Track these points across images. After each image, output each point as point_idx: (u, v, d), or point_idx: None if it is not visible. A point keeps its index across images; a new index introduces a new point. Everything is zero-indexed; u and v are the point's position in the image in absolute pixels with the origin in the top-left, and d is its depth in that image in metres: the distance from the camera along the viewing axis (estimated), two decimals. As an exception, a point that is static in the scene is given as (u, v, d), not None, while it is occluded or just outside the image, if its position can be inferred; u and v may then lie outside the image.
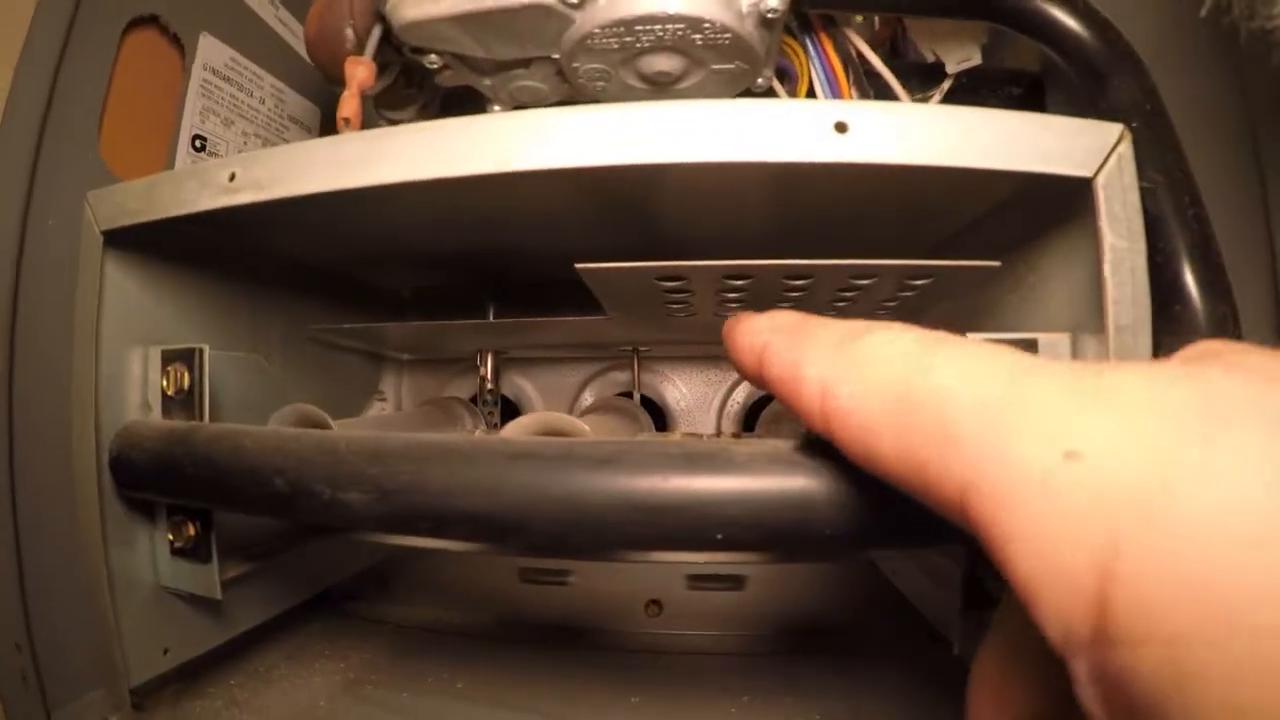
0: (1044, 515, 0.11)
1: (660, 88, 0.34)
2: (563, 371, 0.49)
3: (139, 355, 0.32)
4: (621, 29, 0.31)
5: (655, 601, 0.44)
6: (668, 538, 0.18)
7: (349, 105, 0.29)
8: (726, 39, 0.31)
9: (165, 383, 0.30)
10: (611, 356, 0.49)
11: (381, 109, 0.39)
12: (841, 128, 0.22)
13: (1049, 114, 0.24)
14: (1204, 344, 0.14)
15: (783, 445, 0.19)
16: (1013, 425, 0.12)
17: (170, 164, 0.41)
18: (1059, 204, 0.27)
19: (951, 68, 0.39)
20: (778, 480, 0.18)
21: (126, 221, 0.29)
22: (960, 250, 0.29)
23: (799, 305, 0.32)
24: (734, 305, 0.32)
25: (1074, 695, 0.11)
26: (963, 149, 0.23)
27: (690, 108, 0.23)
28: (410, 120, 0.40)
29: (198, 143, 0.42)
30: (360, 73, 0.31)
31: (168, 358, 0.31)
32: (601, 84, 0.34)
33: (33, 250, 0.34)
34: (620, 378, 0.49)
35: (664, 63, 0.32)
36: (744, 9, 0.31)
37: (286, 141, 0.49)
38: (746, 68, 0.33)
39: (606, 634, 0.43)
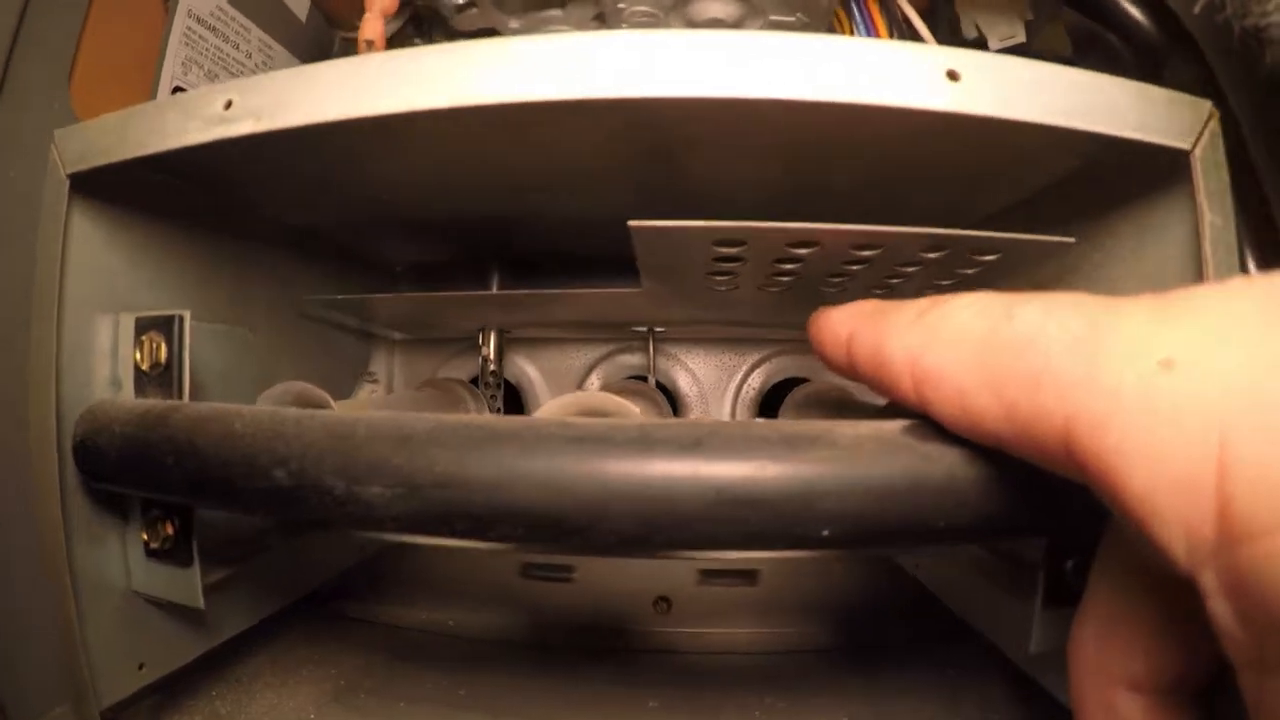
0: (1149, 426, 0.11)
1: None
2: (568, 353, 0.46)
3: (108, 324, 0.28)
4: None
5: (664, 598, 0.42)
6: (763, 535, 0.16)
7: (371, 26, 0.26)
8: None
9: (139, 355, 0.26)
10: (622, 338, 0.46)
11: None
12: (953, 75, 0.20)
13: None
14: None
15: (887, 426, 0.17)
16: (1104, 350, 0.12)
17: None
18: (1143, 178, 0.25)
19: (994, 44, 0.39)
20: (887, 465, 0.16)
21: (98, 161, 0.25)
22: (1010, 225, 0.27)
23: (850, 281, 0.29)
24: (783, 279, 0.29)
25: (1190, 635, 0.12)
26: (1071, 108, 0.21)
27: (779, 39, 0.20)
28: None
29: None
30: (382, -5, 0.27)
31: (142, 326, 0.27)
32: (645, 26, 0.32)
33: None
34: (630, 361, 0.46)
35: (719, 8, 0.31)
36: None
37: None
38: (807, 21, 0.32)
39: (613, 633, 0.40)
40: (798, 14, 0.31)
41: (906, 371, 0.16)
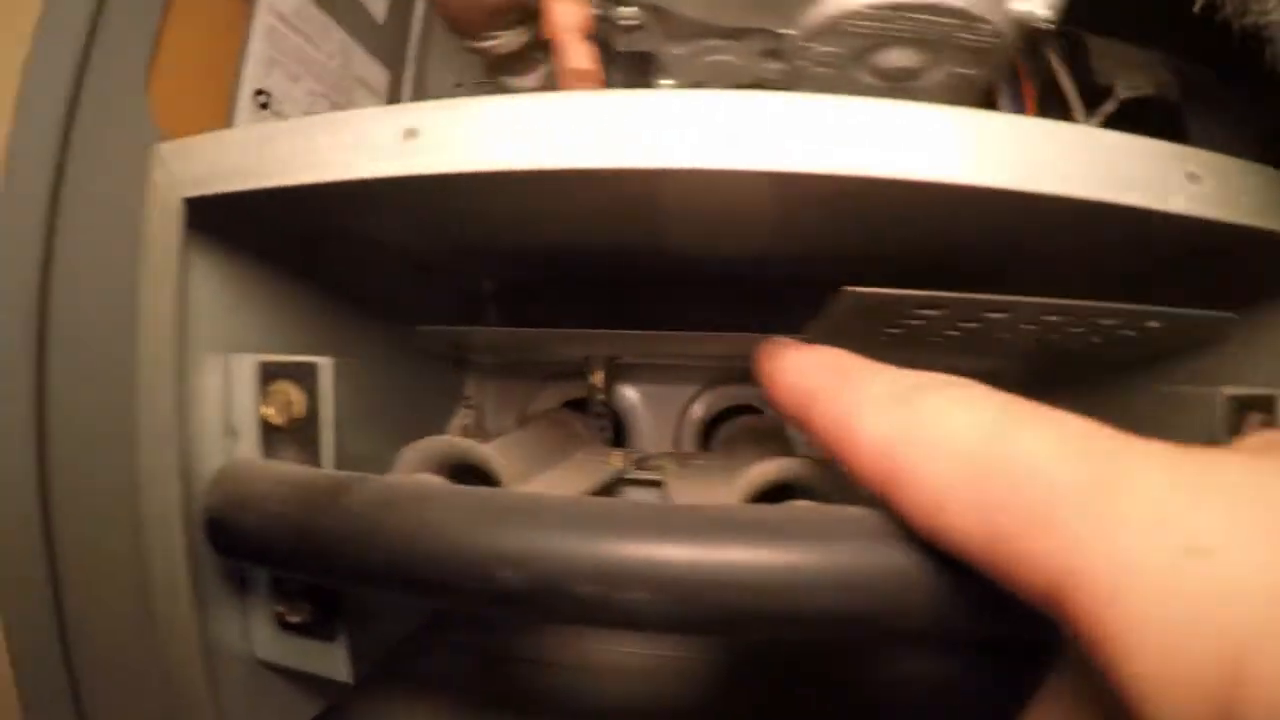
0: (1165, 613, 0.10)
1: (888, 85, 0.32)
2: (673, 379, 0.43)
3: (217, 366, 0.24)
4: (888, 12, 0.28)
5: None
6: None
7: (579, 52, 0.22)
8: (992, 42, 0.29)
9: (269, 409, 0.23)
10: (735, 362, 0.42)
11: (499, 74, 0.32)
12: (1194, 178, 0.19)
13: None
14: (1266, 434, 0.15)
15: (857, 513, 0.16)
16: (1122, 513, 0.11)
17: (229, 123, 0.33)
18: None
19: (1122, 93, 0.39)
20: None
21: (222, 188, 0.21)
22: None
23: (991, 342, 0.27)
24: (951, 334, 0.26)
25: None
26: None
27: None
28: (533, 89, 0.33)
29: (261, 99, 0.34)
30: (577, 11, 0.23)
31: (269, 373, 0.23)
32: (822, 70, 0.32)
33: (66, 228, 0.26)
34: (735, 391, 0.43)
35: (907, 58, 0.30)
36: (1013, 13, 0.29)
37: (356, 105, 0.40)
38: (983, 75, 0.32)
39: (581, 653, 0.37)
40: (979, 69, 0.31)
41: (876, 461, 0.15)
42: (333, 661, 0.23)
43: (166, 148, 0.23)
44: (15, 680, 0.25)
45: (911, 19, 0.28)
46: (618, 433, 0.42)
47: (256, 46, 0.35)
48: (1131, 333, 0.24)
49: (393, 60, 0.44)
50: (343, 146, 0.19)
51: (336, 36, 0.39)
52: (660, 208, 0.23)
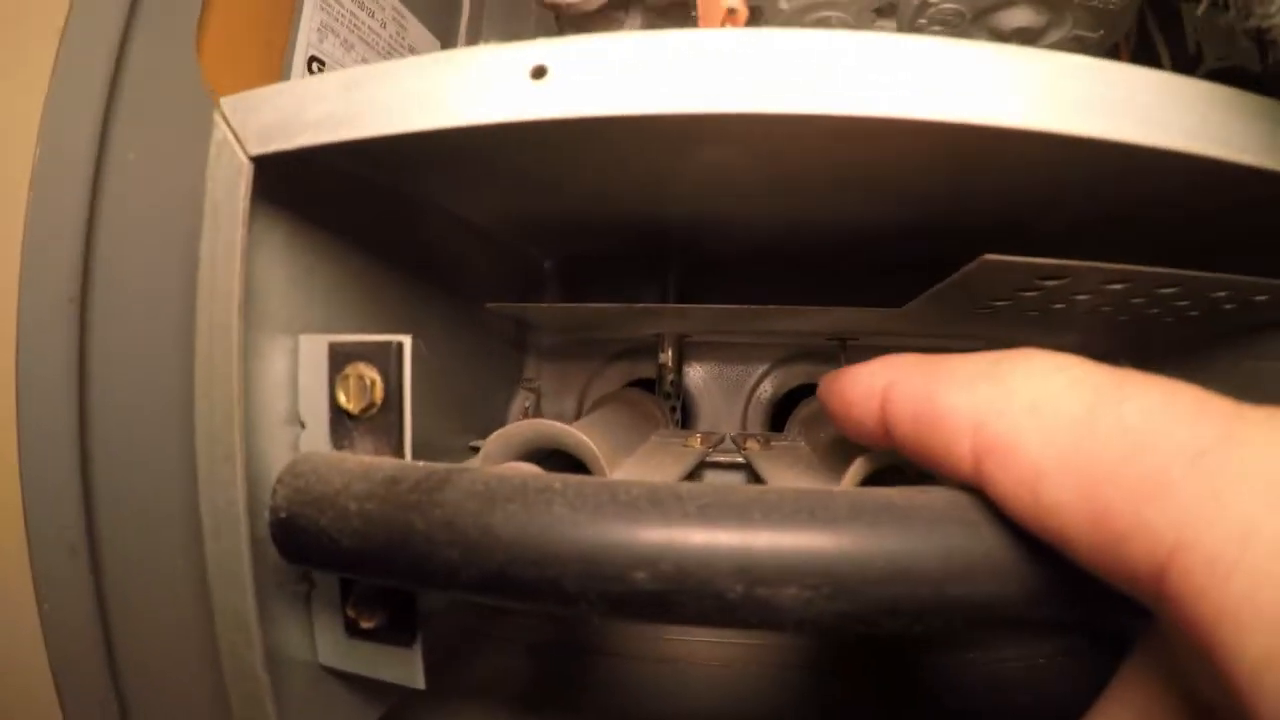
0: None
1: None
2: (740, 357, 0.40)
3: (283, 348, 0.22)
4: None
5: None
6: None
7: None
8: (1120, 4, 0.29)
9: (343, 394, 0.21)
10: (803, 341, 0.40)
11: (581, 27, 0.29)
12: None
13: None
14: None
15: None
16: (1233, 478, 0.10)
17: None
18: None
19: (1210, 62, 0.37)
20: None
21: (303, 142, 0.19)
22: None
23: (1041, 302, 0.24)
24: (1056, 308, 0.24)
25: None
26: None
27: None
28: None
29: (314, 66, 0.32)
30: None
31: (343, 355, 0.21)
32: (938, 30, 0.30)
33: (112, 199, 0.24)
34: (809, 368, 0.40)
35: (1028, 17, 0.29)
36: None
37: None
38: (1101, 38, 0.31)
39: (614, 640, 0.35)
40: (1101, 30, 0.30)
41: (966, 434, 0.13)
42: (409, 668, 0.21)
43: (230, 101, 0.21)
44: (56, 689, 0.23)
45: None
46: (684, 413, 0.40)
47: (309, 11, 0.32)
48: (1233, 305, 0.23)
49: (444, 30, 0.42)
50: (460, 87, 0.17)
51: (389, 3, 0.37)
52: (792, 159, 0.21)
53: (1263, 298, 0.22)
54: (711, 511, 0.14)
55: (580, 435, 0.21)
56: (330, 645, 0.23)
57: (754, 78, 0.16)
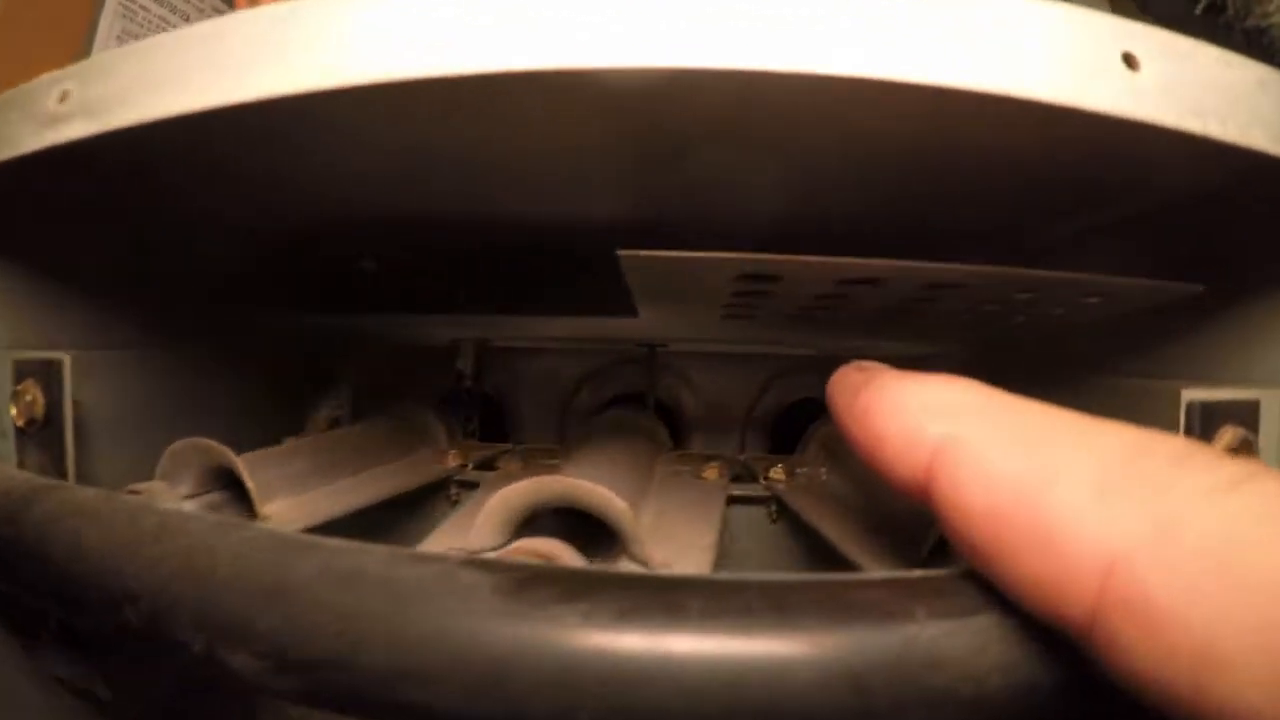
0: None
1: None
2: (557, 364, 0.41)
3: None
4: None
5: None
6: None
7: None
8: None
9: (14, 410, 0.22)
10: (619, 348, 0.40)
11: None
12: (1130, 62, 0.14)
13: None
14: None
15: None
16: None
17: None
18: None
19: (1248, 21, 0.34)
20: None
21: None
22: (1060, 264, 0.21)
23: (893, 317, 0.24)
24: (820, 314, 0.24)
25: None
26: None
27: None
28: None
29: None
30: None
31: (20, 372, 0.22)
32: None
33: None
34: (626, 373, 0.41)
35: None
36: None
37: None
38: None
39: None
40: None
41: (1092, 574, 0.09)
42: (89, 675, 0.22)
43: None
44: None
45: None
46: (676, 433, 0.40)
47: (107, 20, 0.33)
48: (1077, 307, 0.21)
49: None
50: (16, 122, 0.18)
51: (209, 4, 0.37)
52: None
53: (1094, 299, 0.21)
54: (194, 559, 0.14)
55: (234, 460, 0.22)
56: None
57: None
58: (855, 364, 0.14)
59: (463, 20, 0.14)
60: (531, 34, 0.14)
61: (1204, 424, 0.19)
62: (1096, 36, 0.15)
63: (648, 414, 0.37)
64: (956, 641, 0.10)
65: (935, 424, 0.11)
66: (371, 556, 0.14)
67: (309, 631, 0.13)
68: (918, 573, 0.12)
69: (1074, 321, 0.25)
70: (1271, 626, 0.08)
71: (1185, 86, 0.15)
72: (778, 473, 0.30)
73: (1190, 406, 0.18)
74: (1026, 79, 0.14)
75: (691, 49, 0.14)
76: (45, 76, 0.18)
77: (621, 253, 0.17)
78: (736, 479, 0.31)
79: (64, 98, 0.17)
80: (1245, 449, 0.18)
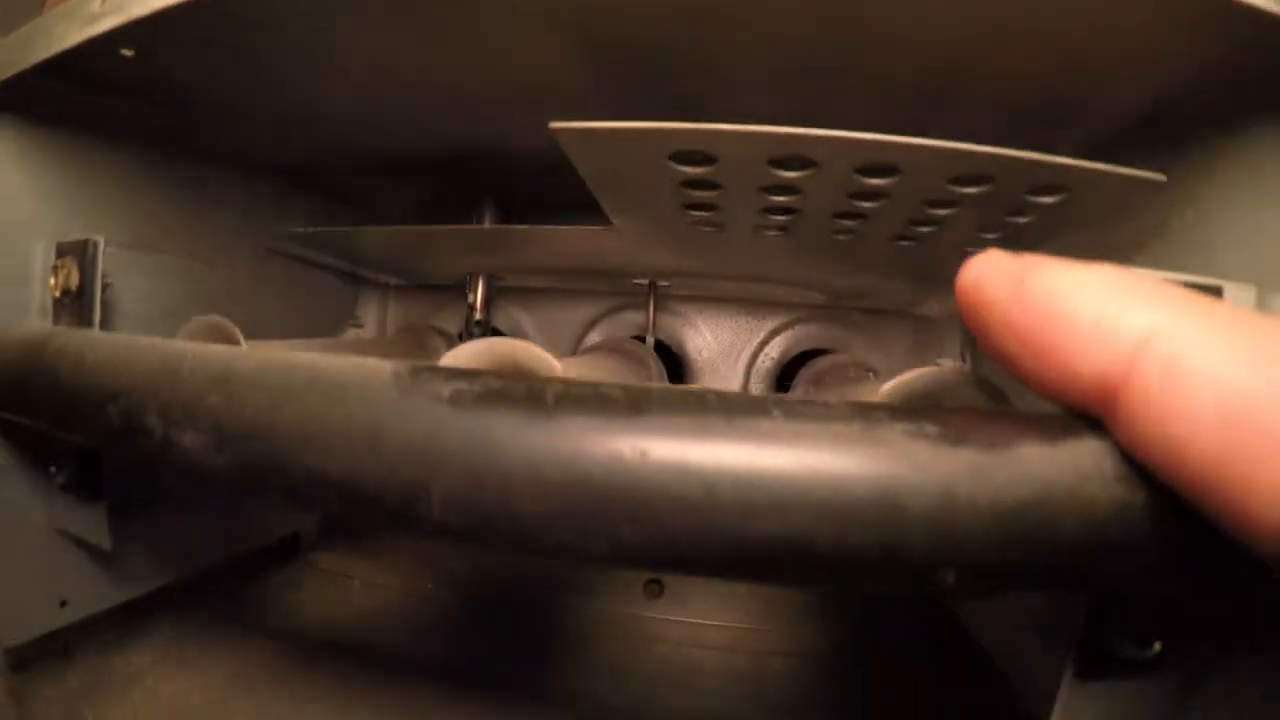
0: None
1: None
2: (567, 306, 0.43)
3: (41, 251, 0.26)
4: None
5: (656, 580, 0.38)
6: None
7: None
8: None
9: (53, 282, 0.25)
10: (626, 292, 0.42)
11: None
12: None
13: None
14: None
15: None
16: None
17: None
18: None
19: None
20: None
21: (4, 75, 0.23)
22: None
23: (865, 225, 0.25)
24: (778, 218, 0.24)
25: None
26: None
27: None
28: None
29: None
30: None
31: (60, 252, 0.25)
32: None
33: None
34: (635, 318, 0.42)
35: None
36: None
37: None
38: None
39: (597, 616, 0.37)
40: None
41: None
42: (98, 526, 0.25)
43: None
44: None
45: None
46: (678, 377, 0.41)
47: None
48: (1051, 199, 0.22)
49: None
50: (64, 25, 0.21)
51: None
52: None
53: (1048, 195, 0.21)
54: (168, 360, 0.17)
55: (236, 331, 0.24)
56: (56, 508, 0.26)
57: None
58: (996, 252, 0.12)
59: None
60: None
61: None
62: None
63: (644, 345, 0.38)
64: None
65: (1139, 314, 0.10)
66: (307, 356, 0.15)
67: (241, 408, 0.15)
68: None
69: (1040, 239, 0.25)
70: None
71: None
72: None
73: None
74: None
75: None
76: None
77: (553, 125, 0.18)
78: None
79: (104, 1, 0.20)
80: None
